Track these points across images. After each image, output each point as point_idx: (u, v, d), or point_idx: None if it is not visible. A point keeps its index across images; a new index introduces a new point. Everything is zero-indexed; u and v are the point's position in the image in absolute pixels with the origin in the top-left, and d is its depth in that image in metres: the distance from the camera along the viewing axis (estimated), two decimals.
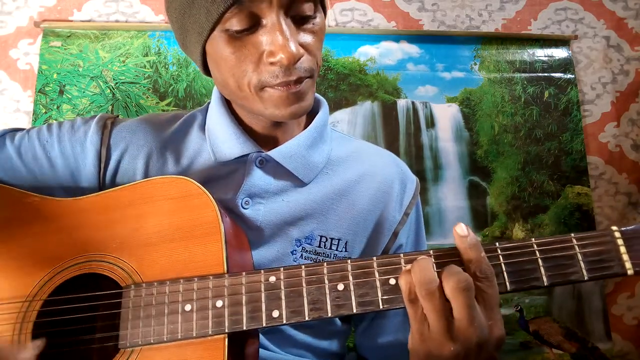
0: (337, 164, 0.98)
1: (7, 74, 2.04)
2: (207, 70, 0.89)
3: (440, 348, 0.63)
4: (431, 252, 0.70)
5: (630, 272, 0.67)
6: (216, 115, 0.95)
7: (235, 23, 0.75)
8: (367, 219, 0.95)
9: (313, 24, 0.80)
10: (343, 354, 1.02)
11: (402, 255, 0.71)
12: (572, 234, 0.69)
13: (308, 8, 0.78)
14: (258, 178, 0.90)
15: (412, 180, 1.03)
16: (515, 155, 2.21)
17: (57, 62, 2.04)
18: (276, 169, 0.92)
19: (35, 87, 2.02)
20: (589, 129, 2.26)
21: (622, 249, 0.68)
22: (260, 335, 0.84)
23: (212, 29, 0.77)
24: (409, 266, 0.66)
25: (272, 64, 0.76)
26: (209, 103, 1.00)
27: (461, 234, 0.66)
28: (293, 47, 0.74)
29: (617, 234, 0.68)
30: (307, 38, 0.79)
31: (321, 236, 0.91)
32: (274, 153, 0.91)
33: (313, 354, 0.94)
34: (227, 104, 0.96)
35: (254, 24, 0.76)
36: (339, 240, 0.92)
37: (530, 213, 2.17)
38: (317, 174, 0.95)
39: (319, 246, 0.91)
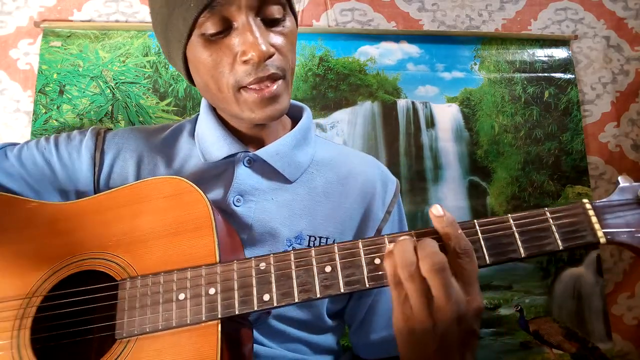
0: (321, 165, 1.02)
1: (7, 74, 2.04)
2: (191, 79, 0.94)
3: (422, 325, 0.65)
4: (413, 233, 0.72)
5: (602, 240, 0.70)
6: (204, 121, 1.00)
7: (209, 27, 0.81)
8: (353, 217, 0.99)
9: (283, 26, 0.86)
10: (338, 351, 1.04)
11: (385, 236, 0.73)
12: (546, 209, 0.73)
13: (277, 11, 0.84)
14: (247, 176, 0.94)
15: (393, 180, 1.07)
16: (515, 155, 2.21)
17: (57, 62, 2.05)
18: (263, 168, 0.96)
19: (35, 87, 2.03)
20: (589, 129, 2.26)
21: (594, 219, 0.71)
22: (255, 332, 0.86)
23: (190, 35, 0.83)
24: (392, 246, 0.68)
25: (244, 62, 0.81)
26: (198, 114, 1.05)
27: (437, 214, 0.69)
28: (263, 45, 0.79)
29: (588, 206, 0.72)
30: (277, 39, 0.85)
31: (310, 236, 0.94)
32: (260, 152, 0.95)
33: (308, 348, 0.96)
34: (214, 111, 1.01)
35: (227, 27, 0.82)
36: (327, 239, 0.95)
37: None
38: (303, 173, 0.99)
39: (309, 245, 0.93)
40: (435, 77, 2.25)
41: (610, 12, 2.33)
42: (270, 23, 0.84)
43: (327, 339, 1.00)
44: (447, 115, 2.23)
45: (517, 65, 2.28)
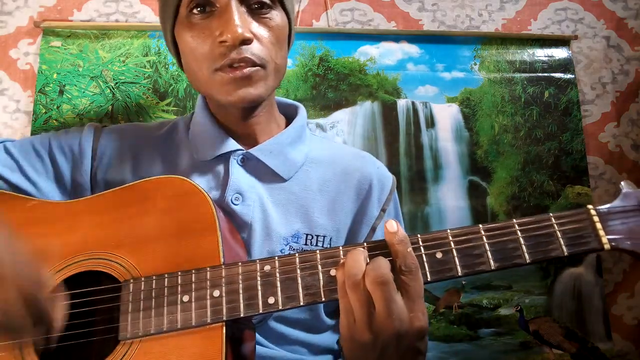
0: (316, 162, 1.03)
1: (7, 74, 2.03)
2: (182, 66, 0.97)
3: (362, 337, 0.67)
4: (365, 244, 0.74)
5: (607, 246, 0.71)
6: (198, 119, 1.02)
7: (193, 4, 0.85)
8: (348, 215, 1.01)
9: (269, 18, 0.88)
10: (338, 351, 1.04)
11: (341, 247, 0.75)
12: (551, 214, 0.73)
13: None
14: (241, 175, 0.95)
15: (389, 177, 1.09)
16: (515, 155, 2.21)
17: (57, 62, 2.04)
18: (257, 166, 0.97)
19: (35, 87, 2.02)
20: (589, 129, 2.26)
21: (599, 226, 0.72)
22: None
23: (176, 13, 0.87)
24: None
25: (220, 43, 0.83)
26: (193, 112, 1.06)
27: (391, 230, 0.70)
28: (240, 28, 0.81)
29: (593, 212, 0.73)
30: (261, 30, 0.87)
31: (306, 234, 0.95)
32: (254, 150, 0.96)
33: (307, 349, 0.96)
34: (208, 109, 1.03)
35: (211, 9, 0.85)
36: (324, 237, 0.96)
37: (530, 213, 2.15)
38: (297, 171, 1.00)
39: (305, 244, 0.94)
40: (435, 77, 2.24)
41: (610, 12, 2.33)
42: (257, 12, 0.86)
43: (326, 339, 1.00)
44: (447, 115, 2.22)
45: (517, 65, 2.28)
